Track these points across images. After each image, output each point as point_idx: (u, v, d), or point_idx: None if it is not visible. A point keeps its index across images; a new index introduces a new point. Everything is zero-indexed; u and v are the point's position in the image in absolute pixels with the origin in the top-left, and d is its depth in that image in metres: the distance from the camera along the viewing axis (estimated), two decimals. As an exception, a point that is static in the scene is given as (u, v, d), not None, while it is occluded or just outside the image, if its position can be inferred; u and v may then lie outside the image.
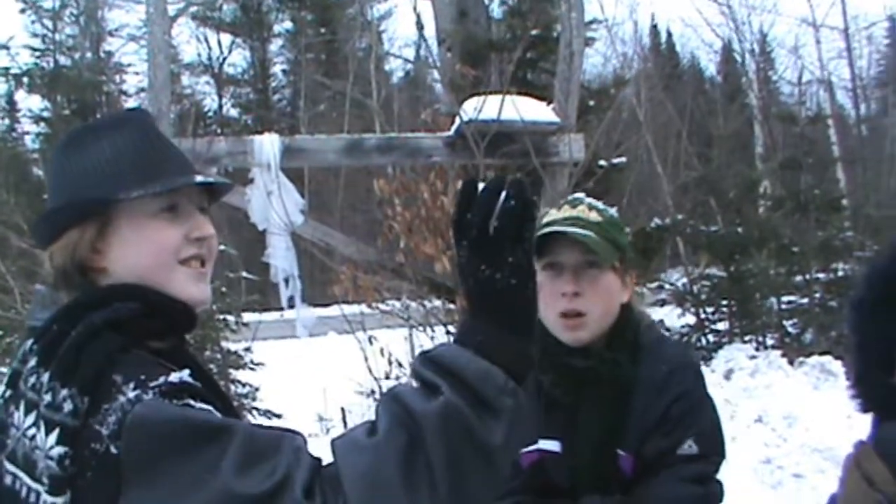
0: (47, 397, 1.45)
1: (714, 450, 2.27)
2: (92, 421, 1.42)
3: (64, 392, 1.44)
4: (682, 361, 2.35)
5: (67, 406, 1.43)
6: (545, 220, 2.34)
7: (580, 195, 2.45)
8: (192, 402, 1.45)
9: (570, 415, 2.30)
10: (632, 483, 2.25)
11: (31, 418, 1.46)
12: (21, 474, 1.46)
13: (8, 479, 1.48)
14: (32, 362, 1.51)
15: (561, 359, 2.31)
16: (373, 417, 1.41)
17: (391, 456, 1.32)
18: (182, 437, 1.37)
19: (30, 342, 1.55)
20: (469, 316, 1.45)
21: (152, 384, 1.44)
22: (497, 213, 1.40)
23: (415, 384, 1.41)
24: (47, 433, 1.43)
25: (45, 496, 1.43)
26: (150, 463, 1.37)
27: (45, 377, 1.47)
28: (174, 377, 1.47)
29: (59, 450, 1.42)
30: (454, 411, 1.34)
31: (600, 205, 2.39)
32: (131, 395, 1.42)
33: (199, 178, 1.71)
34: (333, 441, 1.40)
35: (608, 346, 2.32)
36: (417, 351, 10.57)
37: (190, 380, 1.49)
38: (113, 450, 1.39)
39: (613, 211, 2.42)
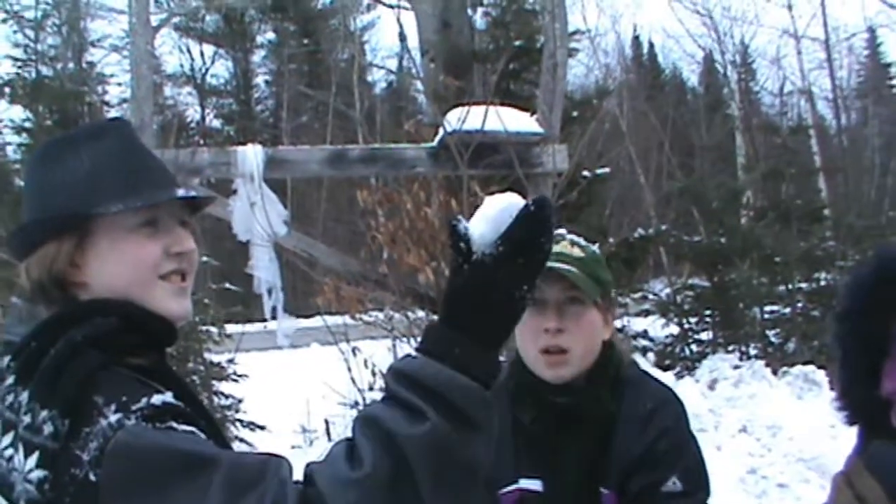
0: (26, 418, 1.42)
1: (699, 486, 2.23)
2: (73, 445, 1.39)
3: (44, 414, 1.41)
4: (665, 398, 2.31)
5: (48, 428, 1.40)
6: None
7: (562, 231, 2.35)
8: (174, 424, 1.42)
9: (551, 453, 2.27)
10: None
11: (7, 438, 1.44)
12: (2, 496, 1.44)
13: None
14: (10, 380, 1.48)
15: (542, 396, 2.28)
16: (349, 436, 1.35)
17: (379, 492, 1.28)
18: (165, 468, 1.33)
19: (7, 359, 1.52)
20: (443, 324, 1.38)
21: (134, 407, 1.41)
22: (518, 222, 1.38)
23: (392, 404, 1.33)
24: (26, 455, 1.40)
25: None
26: (131, 493, 1.34)
27: (24, 396, 1.44)
28: (156, 399, 1.43)
29: (38, 473, 1.39)
30: (442, 436, 1.30)
31: (582, 241, 2.35)
32: (113, 419, 1.39)
33: (180, 193, 1.68)
34: (313, 468, 1.33)
35: (589, 383, 2.28)
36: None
37: (172, 401, 1.46)
38: (92, 477, 1.36)
39: (595, 248, 2.38)
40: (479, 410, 1.33)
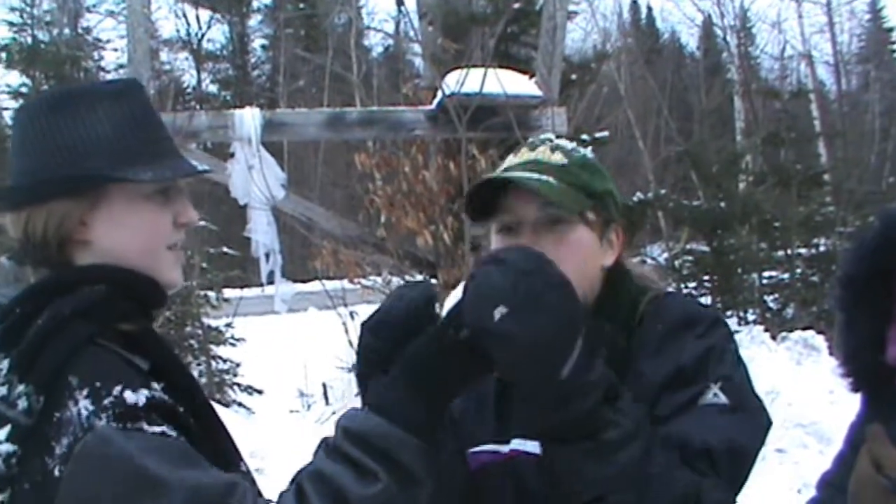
0: (2, 389, 1.40)
1: (752, 403, 1.75)
2: (46, 428, 1.38)
3: (20, 388, 1.39)
4: (684, 316, 1.82)
5: (22, 403, 1.39)
6: (500, 167, 1.92)
7: (547, 135, 1.96)
8: (145, 426, 1.39)
9: None
10: None
11: None
12: None
13: None
14: None
15: None
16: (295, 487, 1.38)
17: None
18: (126, 489, 1.32)
19: None
20: (395, 382, 1.43)
21: (106, 401, 1.38)
22: None
23: (342, 462, 1.37)
24: None
25: None
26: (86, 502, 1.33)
27: (4, 366, 1.42)
28: (130, 398, 1.40)
29: (7, 447, 1.38)
30: (392, 496, 1.35)
31: (569, 144, 1.90)
32: (84, 408, 1.37)
33: (197, 166, 1.69)
34: None
35: (595, 317, 1.80)
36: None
37: (145, 397, 1.42)
38: (57, 472, 1.35)
39: (586, 151, 1.92)
40: (425, 467, 1.38)
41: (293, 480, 1.39)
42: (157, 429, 1.40)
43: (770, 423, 1.76)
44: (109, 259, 1.57)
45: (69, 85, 1.90)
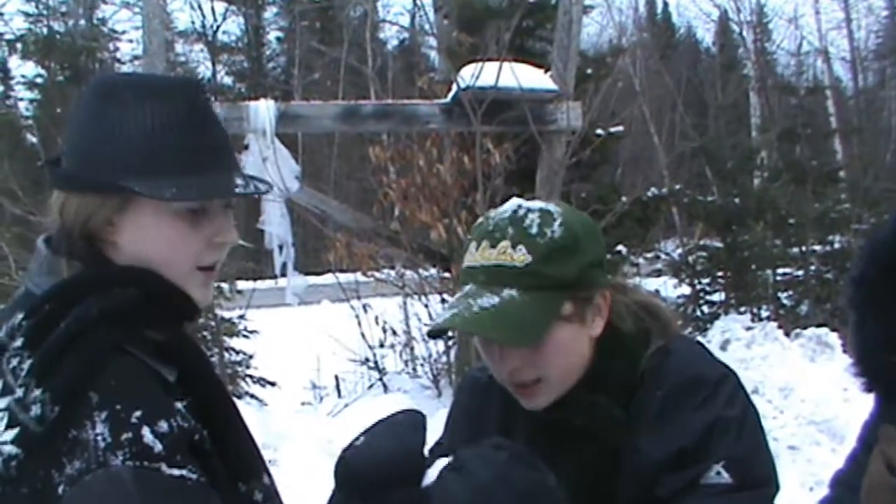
0: (20, 391, 1.37)
1: (758, 479, 1.66)
2: (58, 442, 1.35)
3: (36, 393, 1.36)
4: (686, 378, 1.71)
5: (35, 409, 1.35)
6: (465, 260, 1.76)
7: (510, 207, 1.75)
8: (164, 467, 1.36)
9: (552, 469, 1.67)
10: None
11: (2, 403, 1.39)
12: None
13: None
14: (19, 342, 1.42)
15: (530, 412, 1.79)
16: None
17: None
18: None
19: (20, 316, 1.45)
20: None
21: (124, 436, 1.35)
22: None
23: None
24: (7, 427, 1.36)
25: None
26: None
27: (26, 366, 1.39)
28: (147, 438, 1.36)
29: (11, 449, 1.35)
30: None
31: (535, 222, 1.70)
32: (101, 442, 1.34)
33: (238, 183, 1.58)
34: None
35: (588, 389, 1.74)
36: (412, 319, 10.62)
37: (165, 432, 1.39)
38: (60, 491, 1.33)
39: (558, 225, 1.70)
40: None
41: None
42: (176, 472, 1.37)
43: (778, 489, 1.69)
44: (135, 265, 1.54)
45: (127, 74, 1.83)
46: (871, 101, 30.94)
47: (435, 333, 1.84)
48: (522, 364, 1.70)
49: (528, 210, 1.73)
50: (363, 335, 10.47)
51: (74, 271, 1.53)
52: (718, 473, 1.62)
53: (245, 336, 10.60)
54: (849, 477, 1.93)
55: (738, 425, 1.67)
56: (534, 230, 1.69)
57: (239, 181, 1.59)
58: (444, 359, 10.12)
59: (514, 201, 1.77)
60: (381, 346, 10.69)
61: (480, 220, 1.80)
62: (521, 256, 1.67)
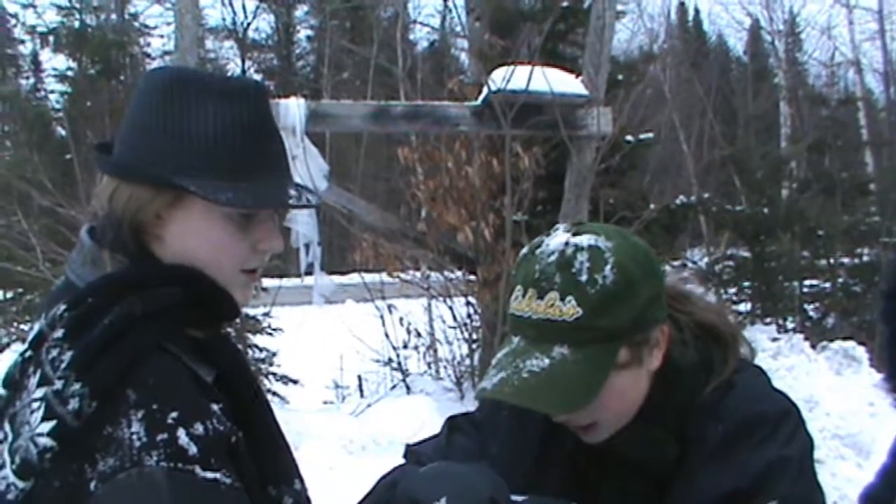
0: (59, 383, 1.36)
1: None
2: (93, 438, 1.34)
3: (76, 387, 1.35)
4: (747, 416, 1.63)
5: (73, 403, 1.34)
6: (511, 305, 1.66)
7: (556, 247, 1.62)
8: (198, 470, 1.36)
9: (591, 492, 1.72)
10: None
11: (39, 392, 1.37)
12: (9, 438, 1.39)
13: (0, 435, 1.41)
14: (59, 333, 1.41)
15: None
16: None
17: None
18: None
19: (62, 307, 1.44)
20: None
21: (160, 437, 1.34)
22: None
23: None
24: (43, 419, 1.35)
25: (8, 470, 1.36)
26: None
27: (66, 357, 1.38)
28: (183, 441, 1.36)
29: (46, 441, 1.34)
30: None
31: (584, 267, 1.58)
32: (137, 441, 1.34)
33: (291, 194, 1.57)
34: None
35: (645, 422, 1.67)
36: (436, 321, 10.62)
37: (201, 435, 1.39)
38: (92, 487, 1.32)
39: (609, 269, 1.58)
40: None
41: None
42: (210, 475, 1.37)
43: None
44: (180, 261, 1.54)
45: (193, 69, 1.84)
46: (903, 113, 30.71)
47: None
48: (577, 415, 1.62)
49: (577, 249, 1.59)
50: (387, 336, 10.48)
51: (118, 265, 1.52)
52: None
53: (269, 334, 10.63)
54: (879, 493, 1.91)
55: (798, 465, 1.61)
56: (583, 277, 1.57)
57: (292, 192, 1.58)
58: (467, 361, 10.12)
59: (562, 238, 1.63)
60: (405, 347, 10.69)
61: (526, 255, 1.67)
62: (570, 310, 1.57)
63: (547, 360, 1.57)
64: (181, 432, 1.36)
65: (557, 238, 1.64)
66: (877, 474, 1.97)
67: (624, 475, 1.69)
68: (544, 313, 1.58)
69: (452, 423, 1.96)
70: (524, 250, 1.69)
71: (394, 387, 10.48)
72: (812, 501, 1.62)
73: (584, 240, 1.61)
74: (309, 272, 8.53)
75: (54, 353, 1.39)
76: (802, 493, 1.60)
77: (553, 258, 1.60)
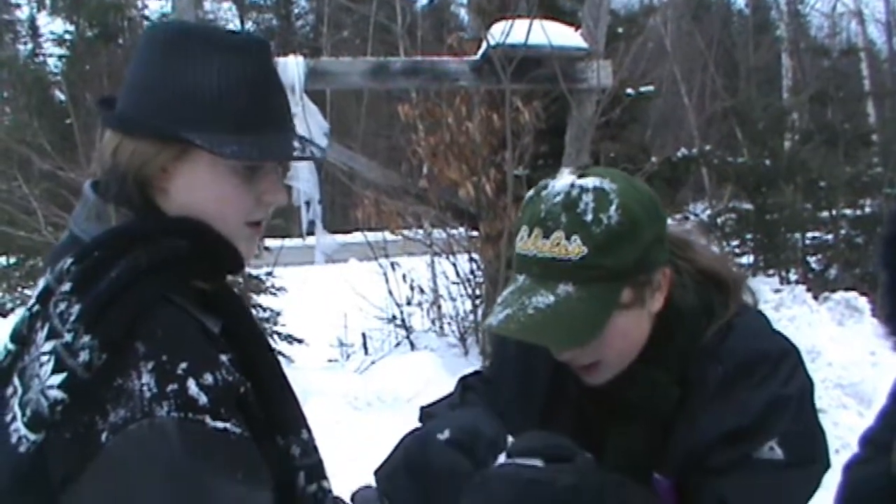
0: (68, 336, 1.37)
1: (809, 456, 1.67)
2: (103, 389, 1.36)
3: (85, 339, 1.36)
4: (747, 356, 1.68)
5: (84, 356, 1.36)
6: (517, 245, 1.70)
7: (562, 188, 1.65)
8: (208, 420, 1.37)
9: (598, 435, 1.76)
10: None
11: (48, 346, 1.39)
12: (20, 392, 1.40)
13: (9, 390, 1.43)
14: (66, 286, 1.42)
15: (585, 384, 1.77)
16: None
17: None
18: (163, 486, 1.33)
19: (69, 261, 1.45)
20: None
21: (170, 388, 1.36)
22: None
23: None
24: (54, 371, 1.36)
25: (20, 423, 1.38)
26: (112, 497, 1.34)
27: (74, 311, 1.39)
28: (193, 390, 1.37)
29: (57, 394, 1.35)
30: None
31: (590, 207, 1.62)
32: (147, 392, 1.35)
33: (296, 151, 1.59)
34: None
35: (646, 364, 1.72)
36: (440, 277, 10.63)
37: (211, 385, 1.40)
38: (103, 438, 1.34)
39: (614, 209, 1.61)
40: None
41: None
42: (220, 425, 1.39)
43: (828, 467, 1.69)
44: (186, 214, 1.54)
45: (195, 24, 1.81)
46: (906, 64, 30.52)
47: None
48: (581, 353, 1.68)
49: (582, 190, 1.63)
50: (390, 293, 10.50)
51: (123, 219, 1.53)
52: (772, 449, 1.61)
53: (272, 293, 10.66)
54: (879, 435, 1.92)
55: (797, 403, 1.65)
56: (588, 217, 1.61)
57: (296, 144, 1.59)
58: (471, 317, 10.14)
59: (568, 180, 1.67)
60: (409, 304, 10.72)
61: (531, 197, 1.72)
62: (575, 248, 1.60)
63: (552, 297, 1.61)
64: (191, 382, 1.38)
65: (563, 180, 1.67)
66: (877, 417, 1.98)
67: (628, 419, 1.73)
68: (550, 252, 1.62)
69: (465, 382, 2.03)
70: (530, 192, 1.73)
71: (398, 344, 10.52)
72: (812, 439, 1.66)
73: (590, 182, 1.64)
74: (311, 231, 8.53)
75: (62, 306, 1.40)
76: (802, 430, 1.64)
77: (559, 199, 1.64)
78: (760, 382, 1.65)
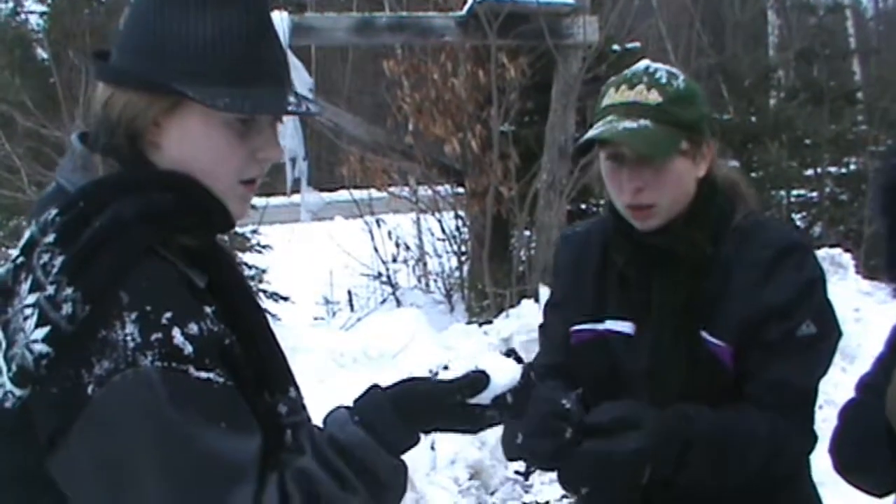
0: (51, 288, 1.35)
1: (831, 327, 2.08)
2: (88, 342, 1.35)
3: (68, 291, 1.35)
4: (789, 243, 2.11)
5: (67, 308, 1.34)
6: (603, 102, 2.14)
7: (642, 65, 2.15)
8: (192, 370, 1.37)
9: (644, 295, 2.15)
10: (734, 377, 2.09)
11: (31, 298, 1.37)
12: (4, 346, 1.39)
13: None
14: (50, 238, 1.40)
15: (635, 238, 2.14)
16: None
17: None
18: (147, 435, 1.34)
19: (53, 212, 1.43)
20: (390, 406, 1.51)
21: (153, 337, 1.35)
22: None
23: (325, 469, 1.45)
24: (37, 325, 1.35)
25: (5, 378, 1.37)
26: (101, 449, 1.35)
27: (58, 262, 1.37)
28: (177, 340, 1.37)
29: (41, 347, 1.34)
30: None
31: (664, 75, 2.10)
32: (131, 342, 1.34)
33: (290, 106, 1.55)
34: None
35: (686, 224, 2.11)
36: (425, 234, 10.65)
37: (195, 335, 1.40)
38: (90, 391, 1.33)
39: (681, 79, 2.11)
40: (398, 483, 1.52)
41: (279, 474, 1.43)
42: (204, 374, 1.38)
43: (841, 335, 2.12)
44: (177, 168, 1.52)
45: None
46: (892, 22, 30.52)
47: (583, 148, 2.13)
48: (644, 185, 2.06)
49: (658, 68, 2.12)
50: (376, 250, 10.51)
51: (110, 169, 1.51)
52: (808, 325, 2.03)
53: (258, 251, 10.62)
54: (875, 380, 1.95)
55: (822, 285, 2.10)
56: (664, 80, 2.09)
57: (291, 99, 1.57)
58: (456, 274, 10.17)
59: (643, 62, 2.16)
60: (395, 261, 10.73)
61: (611, 79, 2.18)
62: (654, 97, 2.07)
63: (635, 124, 2.04)
64: (176, 331, 1.37)
65: (640, 63, 2.17)
66: (873, 363, 2.04)
67: (667, 272, 2.12)
68: (634, 97, 2.08)
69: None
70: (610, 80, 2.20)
71: (384, 301, 10.53)
72: (832, 313, 2.10)
73: (662, 65, 2.16)
74: (296, 189, 8.49)
75: (45, 257, 1.39)
76: (824, 307, 2.09)
77: (640, 69, 2.13)
78: (797, 266, 2.07)
